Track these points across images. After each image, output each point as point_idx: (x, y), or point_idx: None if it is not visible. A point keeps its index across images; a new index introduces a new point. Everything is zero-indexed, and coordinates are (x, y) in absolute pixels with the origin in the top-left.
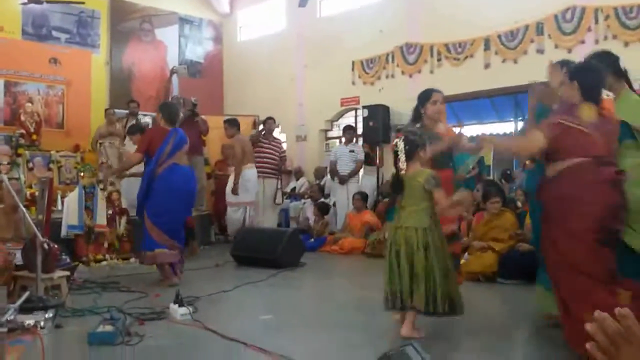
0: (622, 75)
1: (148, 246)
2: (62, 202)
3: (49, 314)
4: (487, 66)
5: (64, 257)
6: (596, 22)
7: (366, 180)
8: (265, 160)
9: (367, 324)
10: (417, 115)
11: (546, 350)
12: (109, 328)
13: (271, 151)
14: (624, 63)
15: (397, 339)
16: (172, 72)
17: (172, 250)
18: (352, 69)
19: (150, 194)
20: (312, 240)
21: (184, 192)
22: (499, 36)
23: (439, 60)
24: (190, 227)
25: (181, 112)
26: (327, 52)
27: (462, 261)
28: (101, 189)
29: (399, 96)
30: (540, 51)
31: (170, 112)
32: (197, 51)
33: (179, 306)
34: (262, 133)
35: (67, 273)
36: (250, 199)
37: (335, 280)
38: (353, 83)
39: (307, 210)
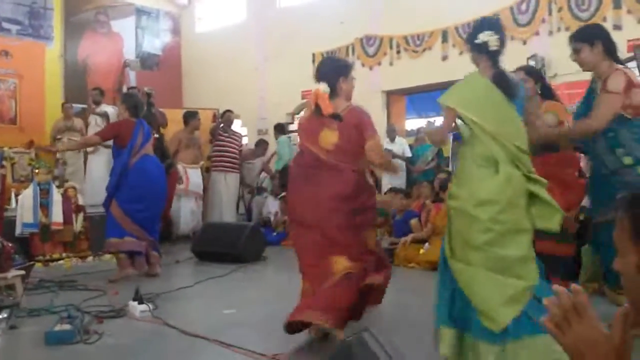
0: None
1: (117, 233)
2: (16, 200)
3: (3, 315)
4: (444, 58)
5: (17, 257)
6: (550, 13)
7: None
8: (225, 154)
9: None
10: None
11: None
12: (66, 327)
13: (231, 145)
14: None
15: (358, 328)
16: (125, 65)
17: (141, 241)
18: (313, 61)
19: (123, 184)
20: (275, 234)
21: (158, 182)
22: (456, 28)
23: (398, 52)
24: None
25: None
26: (287, 44)
27: (422, 251)
28: (57, 186)
29: (359, 88)
30: None
31: (135, 104)
32: (154, 43)
33: (139, 303)
34: (221, 126)
35: (22, 272)
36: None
37: (297, 273)
38: (314, 75)
39: (269, 204)
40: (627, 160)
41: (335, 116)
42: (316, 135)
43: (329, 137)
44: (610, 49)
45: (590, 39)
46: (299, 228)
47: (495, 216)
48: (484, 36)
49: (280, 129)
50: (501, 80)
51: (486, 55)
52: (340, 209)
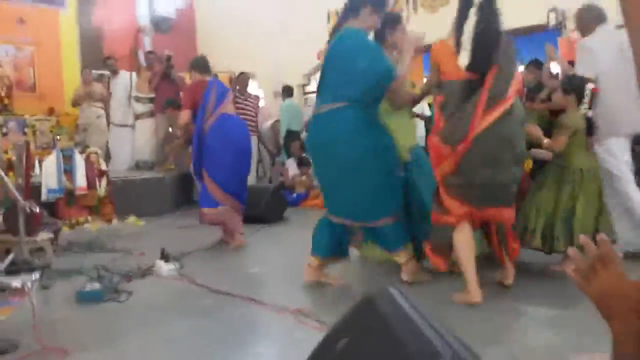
0: None
1: (210, 203)
2: (40, 167)
3: (35, 276)
4: None
5: (46, 221)
6: None
7: None
8: (242, 116)
9: (349, 272)
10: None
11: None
12: (96, 286)
13: (248, 107)
14: None
15: (381, 283)
16: (139, 31)
17: (235, 211)
18: (328, 20)
19: (204, 150)
20: (295, 195)
21: (239, 143)
22: None
23: (414, 8)
24: None
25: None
26: (302, 4)
27: None
28: (79, 152)
29: None
30: None
31: (201, 63)
32: (168, 6)
33: (165, 262)
34: (237, 88)
35: (51, 235)
36: None
37: None
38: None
39: (289, 165)
40: None
41: None
42: None
43: None
44: None
45: None
46: None
47: None
48: None
49: (286, 92)
50: None
51: None
52: None
